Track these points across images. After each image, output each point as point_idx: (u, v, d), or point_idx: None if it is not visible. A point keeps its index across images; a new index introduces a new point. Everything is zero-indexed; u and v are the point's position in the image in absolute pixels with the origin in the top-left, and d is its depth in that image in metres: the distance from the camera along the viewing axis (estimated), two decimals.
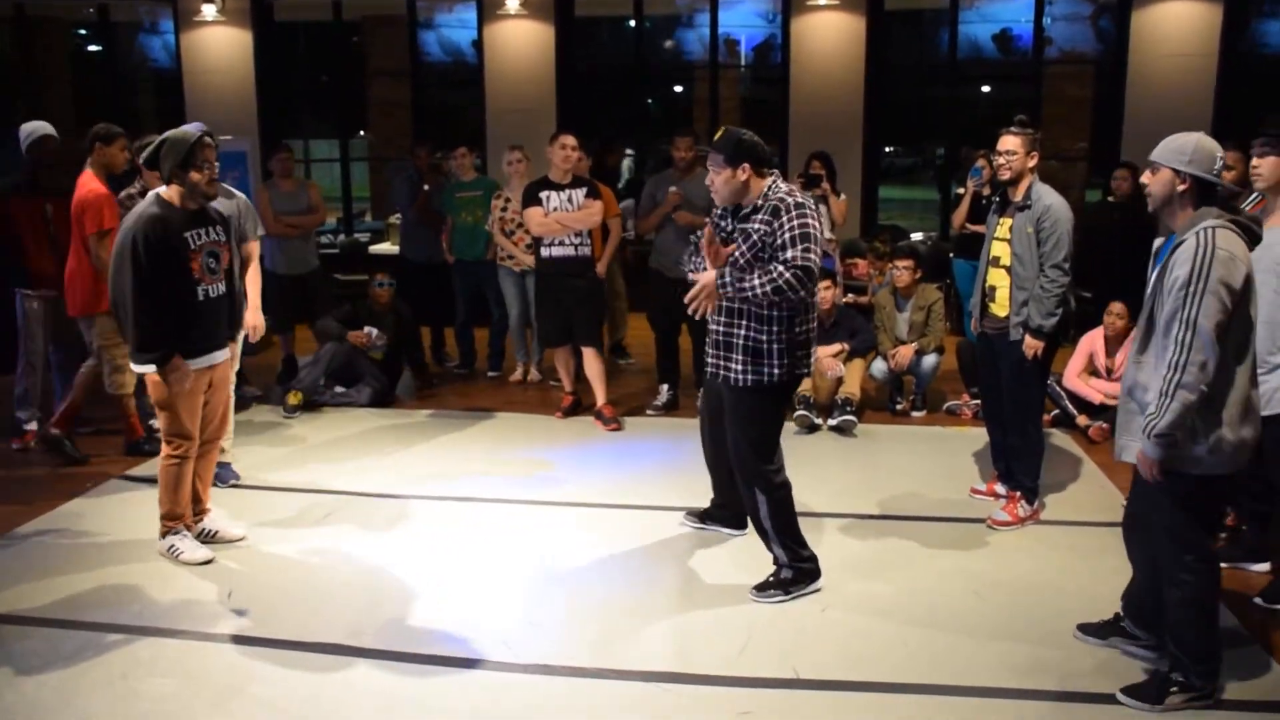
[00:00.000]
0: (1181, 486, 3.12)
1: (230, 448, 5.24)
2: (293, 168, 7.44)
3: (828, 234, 6.92)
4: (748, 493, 4.07)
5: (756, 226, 3.85)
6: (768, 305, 3.82)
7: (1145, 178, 3.22)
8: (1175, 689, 3.22)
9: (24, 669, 3.47)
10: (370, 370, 6.82)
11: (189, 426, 4.29)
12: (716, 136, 3.92)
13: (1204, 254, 2.97)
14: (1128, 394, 3.28)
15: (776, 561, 4.08)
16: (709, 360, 4.07)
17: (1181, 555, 3.19)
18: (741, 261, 3.85)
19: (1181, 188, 3.12)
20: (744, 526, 4.45)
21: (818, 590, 4.04)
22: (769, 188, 3.88)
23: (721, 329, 3.97)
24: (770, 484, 4.01)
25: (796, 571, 4.05)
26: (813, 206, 3.88)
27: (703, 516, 4.68)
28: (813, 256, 3.77)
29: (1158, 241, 3.36)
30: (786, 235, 3.77)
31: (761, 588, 4.03)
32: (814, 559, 4.09)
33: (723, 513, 4.59)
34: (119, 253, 4.07)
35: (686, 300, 3.89)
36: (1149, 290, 3.20)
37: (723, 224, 4.00)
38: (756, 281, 3.75)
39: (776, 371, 3.90)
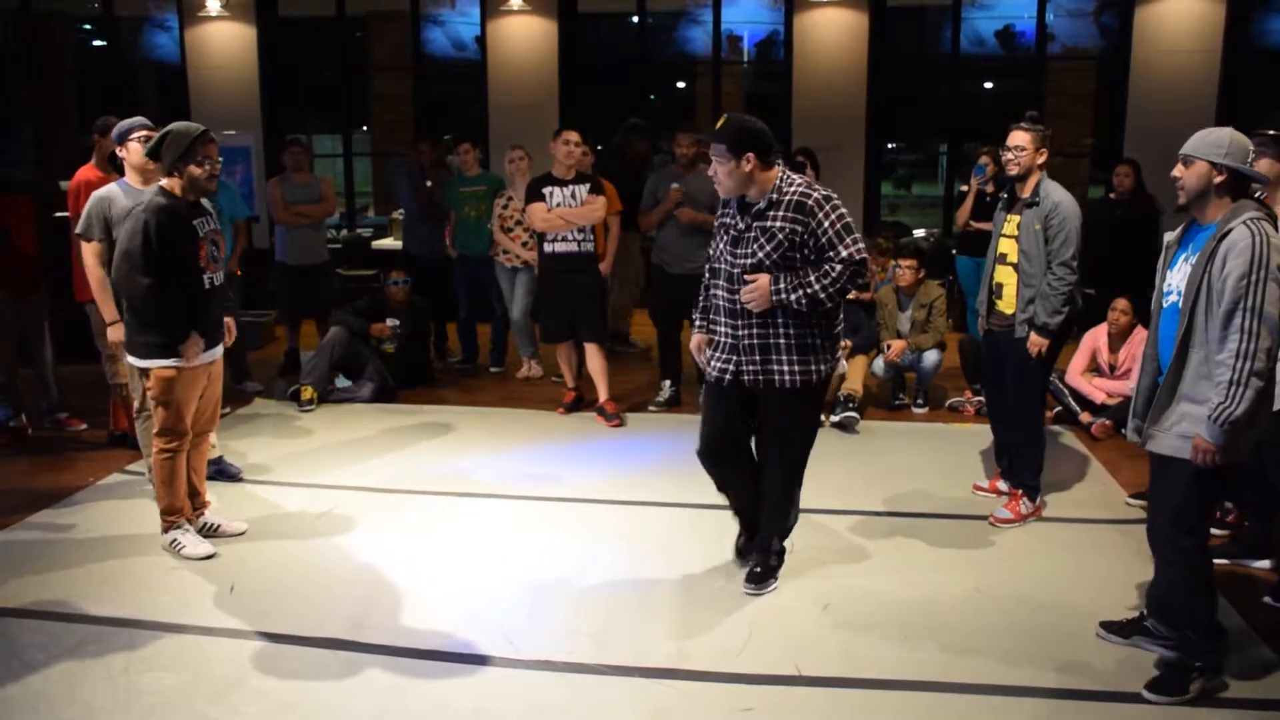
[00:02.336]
0: (1204, 472, 3.15)
1: (216, 441, 5.22)
2: (306, 161, 7.48)
3: None
4: (786, 495, 4.01)
5: (780, 225, 3.69)
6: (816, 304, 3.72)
7: (1177, 171, 3.22)
8: (1195, 674, 3.27)
9: (26, 662, 3.48)
10: (374, 362, 6.83)
11: (186, 423, 4.31)
12: (718, 125, 3.73)
13: (1260, 243, 3.01)
14: (1166, 384, 3.22)
15: (768, 550, 4.09)
16: (731, 364, 3.87)
17: (1180, 538, 3.25)
18: (767, 262, 3.71)
19: (1218, 180, 3.15)
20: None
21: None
22: (781, 180, 3.73)
23: (756, 332, 3.80)
24: (800, 477, 4.05)
25: (779, 557, 4.12)
26: (837, 195, 3.77)
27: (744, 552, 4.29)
28: (862, 247, 3.72)
29: (1171, 235, 3.36)
30: (832, 232, 3.67)
31: (758, 579, 4.03)
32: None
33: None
34: (128, 244, 4.09)
35: (743, 297, 3.74)
36: (1186, 280, 3.16)
37: (731, 222, 3.84)
38: (816, 285, 3.67)
39: (823, 367, 3.85)
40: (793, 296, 3.69)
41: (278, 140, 9.94)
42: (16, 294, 5.77)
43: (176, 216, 4.15)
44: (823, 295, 3.69)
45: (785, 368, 3.80)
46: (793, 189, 3.72)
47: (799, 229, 3.69)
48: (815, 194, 3.70)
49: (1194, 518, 3.25)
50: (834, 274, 3.67)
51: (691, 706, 3.25)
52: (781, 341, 3.78)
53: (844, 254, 3.67)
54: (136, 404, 4.78)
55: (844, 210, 3.73)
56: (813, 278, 3.68)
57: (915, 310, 6.53)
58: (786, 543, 4.17)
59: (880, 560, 4.33)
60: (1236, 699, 3.27)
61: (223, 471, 5.12)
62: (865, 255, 3.72)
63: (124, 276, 4.11)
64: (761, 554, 4.10)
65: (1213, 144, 3.16)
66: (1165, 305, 3.31)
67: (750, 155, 3.67)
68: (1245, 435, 3.13)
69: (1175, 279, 3.27)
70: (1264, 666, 3.46)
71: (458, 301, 7.63)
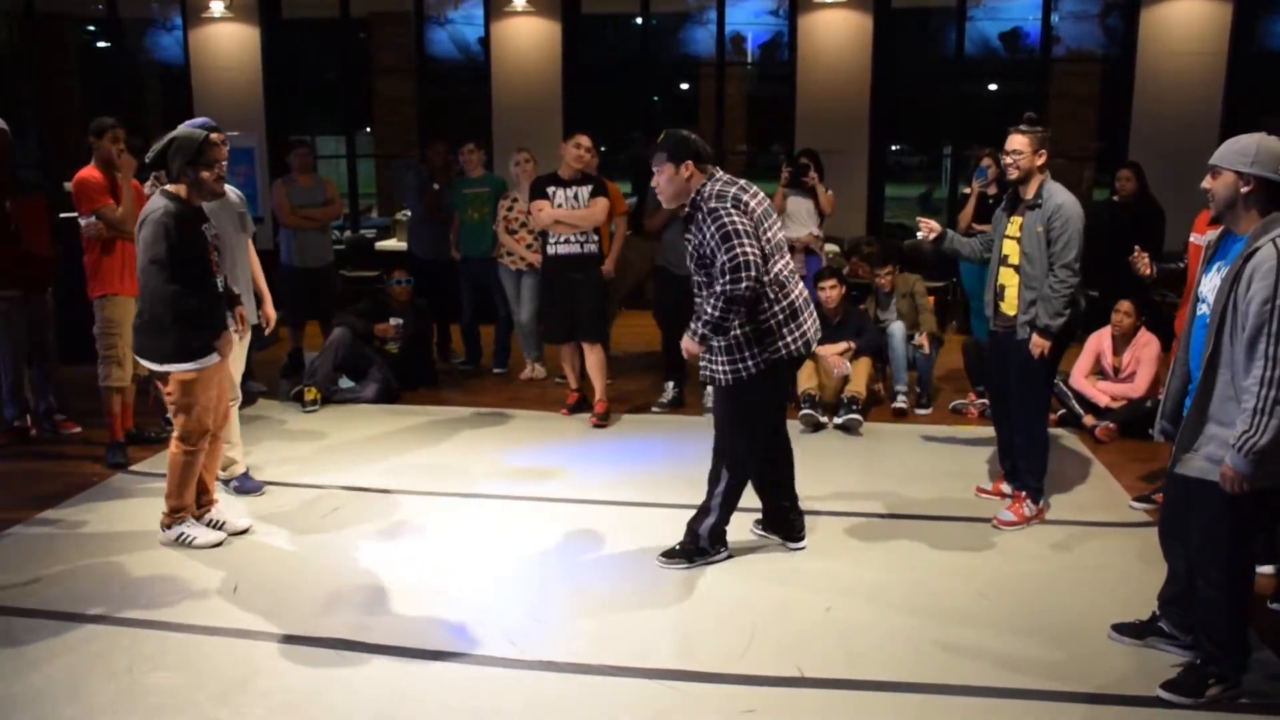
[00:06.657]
0: (1238, 496, 3.08)
1: (240, 457, 5.17)
2: (311, 163, 7.49)
3: (813, 230, 6.96)
4: (716, 461, 4.21)
5: (689, 236, 3.98)
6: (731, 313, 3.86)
7: (1206, 182, 3.15)
8: (1213, 680, 3.25)
9: (30, 661, 3.48)
10: (378, 363, 6.84)
11: (209, 423, 4.34)
12: (660, 139, 4.01)
13: None
14: (1195, 404, 3.16)
15: (693, 530, 4.27)
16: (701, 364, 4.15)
17: (1218, 555, 3.20)
18: (695, 273, 4.01)
19: (1245, 190, 3.05)
20: (801, 539, 4.42)
21: (720, 559, 4.26)
22: (697, 190, 3.94)
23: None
24: (739, 466, 4.16)
25: (694, 543, 4.25)
26: (729, 204, 3.84)
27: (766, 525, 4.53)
28: (740, 251, 3.77)
29: (1213, 235, 3.31)
30: (712, 243, 3.84)
31: (667, 553, 4.26)
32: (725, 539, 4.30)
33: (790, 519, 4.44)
34: (154, 251, 4.11)
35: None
36: (1216, 293, 3.09)
37: None
38: (711, 314, 3.84)
39: (751, 363, 3.98)
40: (702, 332, 3.92)
41: (281, 141, 9.97)
42: (28, 293, 5.78)
43: (190, 220, 4.20)
44: (718, 318, 3.85)
45: (718, 366, 4.02)
46: (699, 199, 3.92)
47: (695, 239, 3.94)
48: (705, 206, 3.89)
49: (1234, 536, 3.16)
50: (717, 294, 3.81)
51: (693, 707, 3.25)
52: (712, 342, 3.98)
53: (720, 262, 3.80)
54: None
55: (727, 219, 3.82)
56: (707, 307, 3.87)
57: (899, 301, 6.74)
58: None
59: (883, 562, 4.32)
60: (1246, 702, 3.25)
61: (244, 489, 5.06)
62: (740, 258, 3.75)
63: (159, 284, 4.13)
64: (687, 533, 4.28)
65: (1238, 152, 3.07)
66: (1197, 314, 3.24)
67: (689, 162, 3.94)
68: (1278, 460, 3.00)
69: (1206, 288, 3.20)
70: (1268, 671, 3.45)
71: (461, 303, 7.63)
